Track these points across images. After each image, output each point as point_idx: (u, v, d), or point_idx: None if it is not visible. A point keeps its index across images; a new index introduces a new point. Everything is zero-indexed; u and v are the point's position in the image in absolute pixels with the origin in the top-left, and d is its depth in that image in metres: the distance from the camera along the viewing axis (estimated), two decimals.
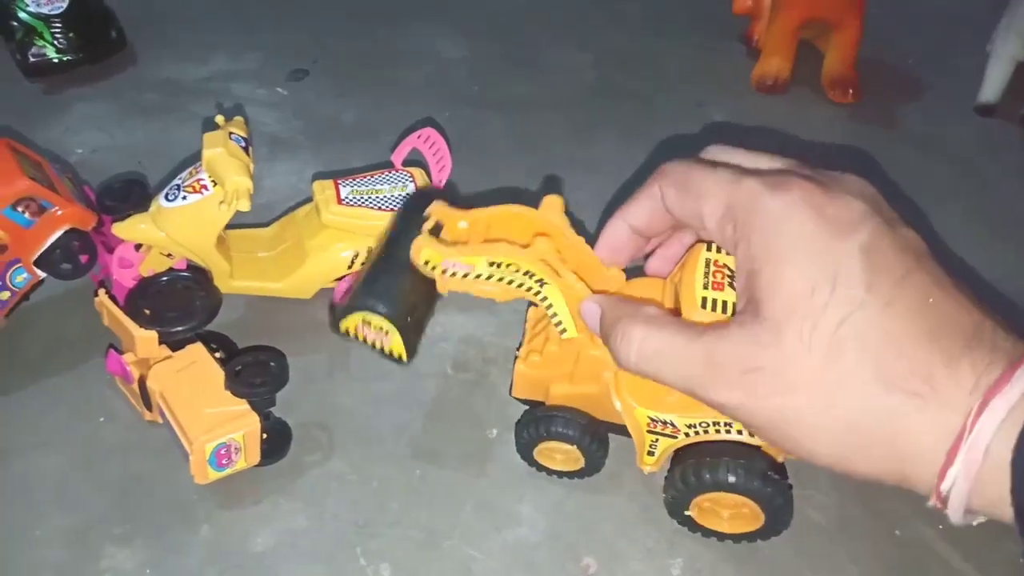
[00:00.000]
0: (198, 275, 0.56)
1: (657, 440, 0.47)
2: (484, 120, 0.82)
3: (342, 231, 0.58)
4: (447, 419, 0.57)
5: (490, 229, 0.45)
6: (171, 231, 0.54)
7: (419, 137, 0.62)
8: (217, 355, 0.54)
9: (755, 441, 0.45)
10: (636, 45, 0.93)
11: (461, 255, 0.42)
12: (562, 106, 0.84)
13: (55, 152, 0.77)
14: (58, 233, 0.56)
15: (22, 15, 0.83)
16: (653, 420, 0.46)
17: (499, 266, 0.42)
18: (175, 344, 0.53)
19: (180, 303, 0.54)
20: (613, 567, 0.49)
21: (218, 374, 0.52)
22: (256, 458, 0.52)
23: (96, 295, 0.55)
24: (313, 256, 0.59)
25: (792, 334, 0.30)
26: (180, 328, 0.53)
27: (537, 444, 0.51)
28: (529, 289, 0.43)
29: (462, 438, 0.56)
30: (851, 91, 0.84)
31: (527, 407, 0.53)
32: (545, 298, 0.43)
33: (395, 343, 0.47)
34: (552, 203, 0.44)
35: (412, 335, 0.47)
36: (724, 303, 0.36)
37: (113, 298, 0.54)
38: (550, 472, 0.53)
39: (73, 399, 0.58)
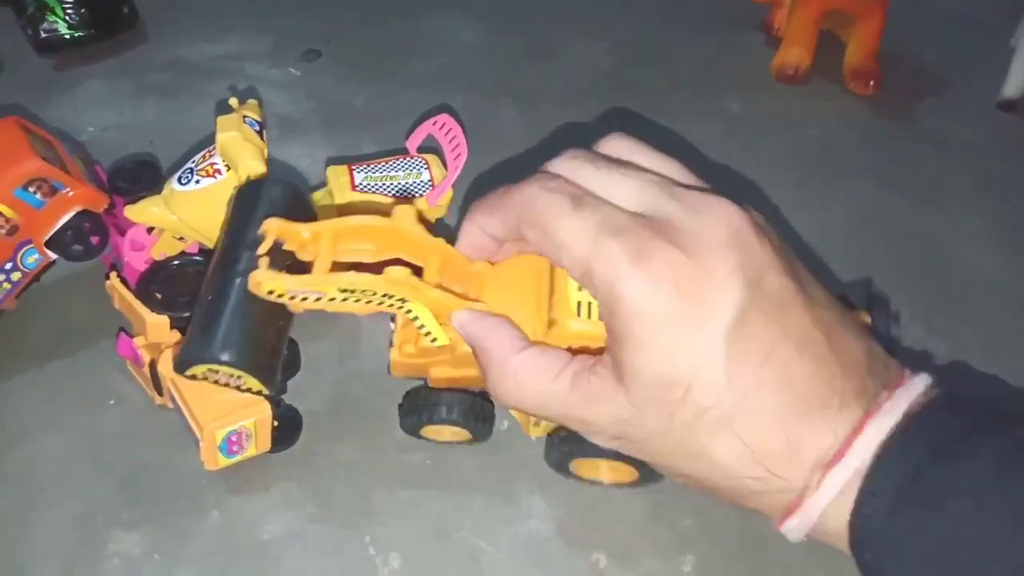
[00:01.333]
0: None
1: None
2: (497, 109, 0.81)
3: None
4: None
5: (339, 238, 0.40)
6: (183, 215, 0.53)
7: (434, 123, 0.61)
8: None
9: None
10: (652, 34, 0.92)
11: (308, 285, 0.37)
12: (577, 97, 0.83)
13: (65, 130, 0.76)
14: (70, 214, 0.55)
15: None
16: None
17: (352, 291, 0.38)
18: (186, 329, 0.53)
19: (192, 288, 0.54)
20: (624, 563, 0.49)
21: None
22: (267, 445, 0.52)
23: (107, 278, 0.55)
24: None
25: (651, 419, 0.32)
26: (191, 313, 0.52)
27: (420, 429, 0.52)
28: (392, 306, 0.39)
29: None
30: (872, 83, 0.83)
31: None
32: (410, 311, 0.40)
33: (251, 383, 0.44)
34: (403, 212, 0.40)
35: (267, 370, 0.43)
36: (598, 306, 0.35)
37: (124, 281, 0.54)
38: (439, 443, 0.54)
39: (82, 382, 0.58)
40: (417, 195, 0.58)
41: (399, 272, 0.38)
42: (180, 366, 0.43)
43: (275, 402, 0.51)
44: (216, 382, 0.44)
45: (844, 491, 0.30)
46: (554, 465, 0.51)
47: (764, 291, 0.31)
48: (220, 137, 0.52)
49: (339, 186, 0.58)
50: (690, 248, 0.30)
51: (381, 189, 0.58)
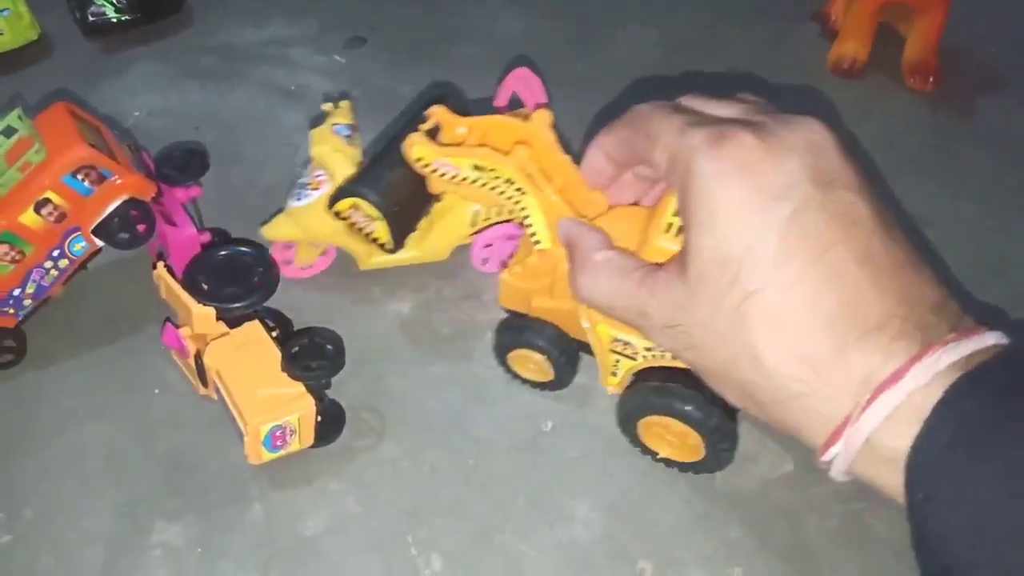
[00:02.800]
0: (258, 251, 0.55)
1: (619, 361, 0.47)
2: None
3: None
4: (500, 408, 0.56)
5: (486, 137, 0.46)
6: (306, 226, 0.58)
7: (515, 76, 0.62)
8: (274, 334, 0.53)
9: None
10: (704, 23, 0.89)
11: (449, 155, 0.44)
12: (625, 86, 0.81)
13: (112, 114, 0.76)
14: (117, 202, 0.55)
15: None
16: (615, 340, 0.46)
17: (483, 170, 0.44)
18: (232, 321, 0.53)
19: (238, 279, 0.53)
20: (670, 572, 0.48)
21: (275, 354, 0.51)
22: (310, 440, 0.51)
23: (154, 267, 0.55)
24: (440, 220, 0.60)
25: (702, 304, 0.32)
26: (238, 305, 0.52)
27: (512, 350, 0.53)
28: (509, 197, 0.45)
29: (516, 428, 0.55)
30: (931, 79, 0.80)
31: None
32: (523, 208, 0.45)
33: (381, 231, 0.52)
34: (540, 117, 0.45)
35: (398, 225, 0.52)
36: None
37: (171, 270, 0.54)
38: (522, 380, 0.55)
39: (127, 370, 0.58)
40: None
41: (523, 151, 0.43)
42: (331, 201, 0.53)
43: (319, 397, 0.50)
44: (352, 224, 0.53)
45: (895, 419, 0.28)
46: (622, 423, 0.51)
47: (833, 197, 0.31)
48: (313, 151, 0.57)
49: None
50: (767, 140, 0.31)
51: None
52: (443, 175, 0.45)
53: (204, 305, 0.51)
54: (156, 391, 0.57)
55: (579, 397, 0.56)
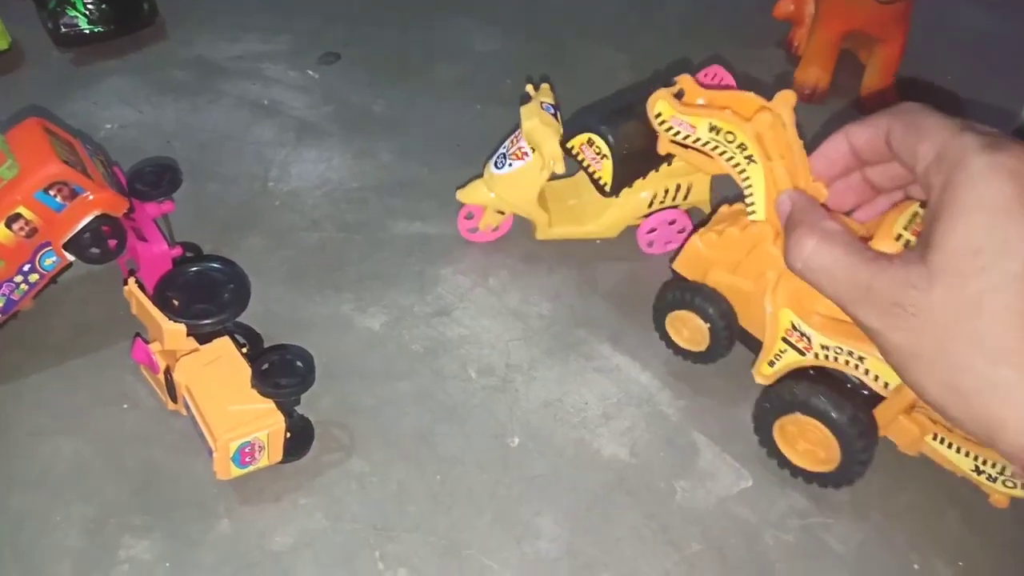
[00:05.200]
0: (229, 267, 0.56)
1: (785, 351, 0.49)
2: (516, 117, 0.81)
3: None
4: (469, 424, 0.57)
5: (725, 107, 0.49)
6: (501, 193, 0.63)
7: (705, 75, 0.65)
8: (244, 350, 0.54)
9: (875, 389, 0.48)
10: (673, 47, 0.91)
11: (689, 114, 0.48)
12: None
13: (83, 126, 0.76)
14: (89, 218, 0.55)
15: None
16: (793, 328, 0.48)
17: (718, 132, 0.47)
18: (202, 336, 0.53)
19: (209, 295, 0.54)
20: None
21: (244, 370, 0.52)
22: (279, 456, 0.52)
23: (125, 282, 0.55)
24: (617, 200, 0.64)
25: (941, 286, 0.32)
26: (209, 321, 0.52)
27: (674, 310, 0.55)
28: (736, 165, 0.47)
29: (483, 445, 0.56)
30: (889, 105, 0.82)
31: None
32: (747, 176, 0.47)
33: (606, 170, 0.57)
34: (785, 98, 0.47)
35: (622, 171, 0.57)
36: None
37: (142, 287, 0.54)
38: (669, 345, 0.58)
39: (96, 384, 0.58)
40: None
41: (766, 117, 0.46)
42: (574, 130, 0.58)
43: (288, 413, 0.51)
44: (579, 159, 0.60)
45: None
46: (760, 416, 0.53)
47: None
48: (525, 124, 0.62)
49: None
50: None
51: None
52: (677, 134, 0.49)
53: (174, 321, 0.51)
54: (125, 406, 0.57)
55: (544, 415, 0.57)
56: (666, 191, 0.64)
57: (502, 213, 0.67)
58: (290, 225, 0.70)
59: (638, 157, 0.59)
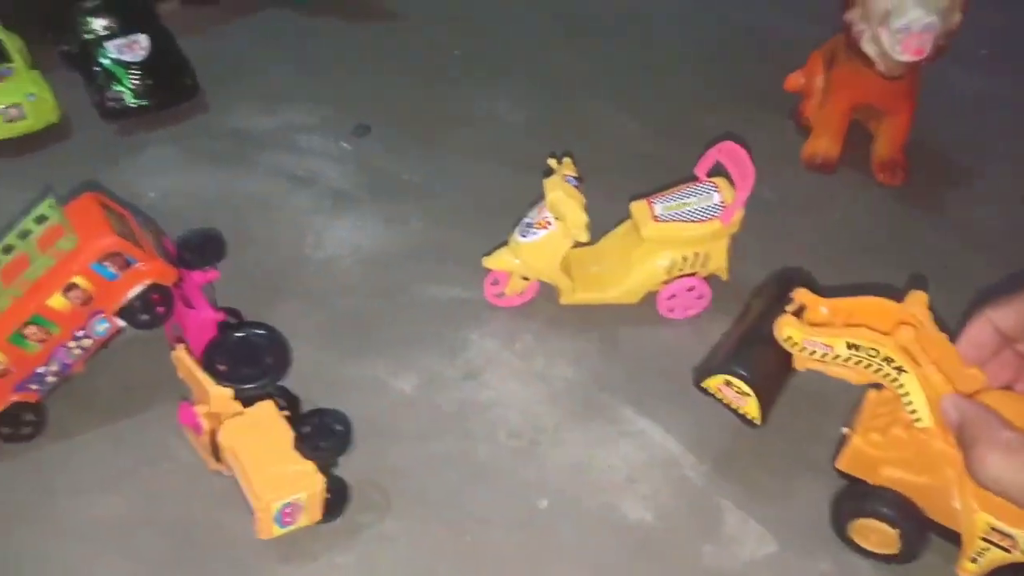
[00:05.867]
0: (271, 333, 0.59)
1: (987, 550, 0.47)
2: (538, 186, 0.84)
3: (660, 243, 0.67)
4: (498, 486, 0.59)
5: (851, 316, 0.50)
6: (527, 260, 0.67)
7: (719, 150, 0.69)
8: (284, 413, 0.56)
9: None
10: (686, 116, 0.95)
11: (821, 336, 0.47)
12: (612, 175, 0.85)
13: (128, 194, 0.80)
14: (141, 287, 0.58)
15: (104, 61, 0.87)
16: (994, 530, 0.46)
17: (857, 349, 0.46)
18: (245, 399, 0.56)
19: (253, 359, 0.57)
20: None
21: (286, 432, 0.54)
22: (317, 516, 0.54)
23: (171, 346, 0.58)
24: (637, 267, 0.68)
25: None
26: (253, 385, 0.55)
27: (855, 519, 0.52)
28: (887, 375, 0.47)
29: (512, 506, 0.57)
30: (900, 174, 0.85)
31: (846, 481, 0.54)
32: (902, 385, 0.47)
33: (751, 406, 0.56)
34: (917, 299, 0.48)
35: (767, 401, 0.56)
36: None
37: (190, 352, 0.57)
38: (858, 550, 0.54)
39: (139, 444, 0.60)
40: (711, 217, 0.66)
41: (907, 333, 0.45)
42: (708, 371, 0.57)
43: (327, 474, 0.53)
44: (720, 398, 0.58)
45: None
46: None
47: None
48: (549, 196, 0.65)
49: (642, 218, 0.67)
50: None
51: (679, 216, 0.67)
52: (812, 353, 0.49)
53: (222, 386, 0.54)
54: (166, 466, 0.59)
55: (571, 478, 0.59)
56: (684, 258, 0.67)
57: (527, 279, 0.70)
58: (325, 290, 0.73)
59: (775, 376, 0.58)
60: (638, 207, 0.69)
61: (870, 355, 0.46)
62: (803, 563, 0.54)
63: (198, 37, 0.98)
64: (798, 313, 0.50)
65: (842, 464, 0.53)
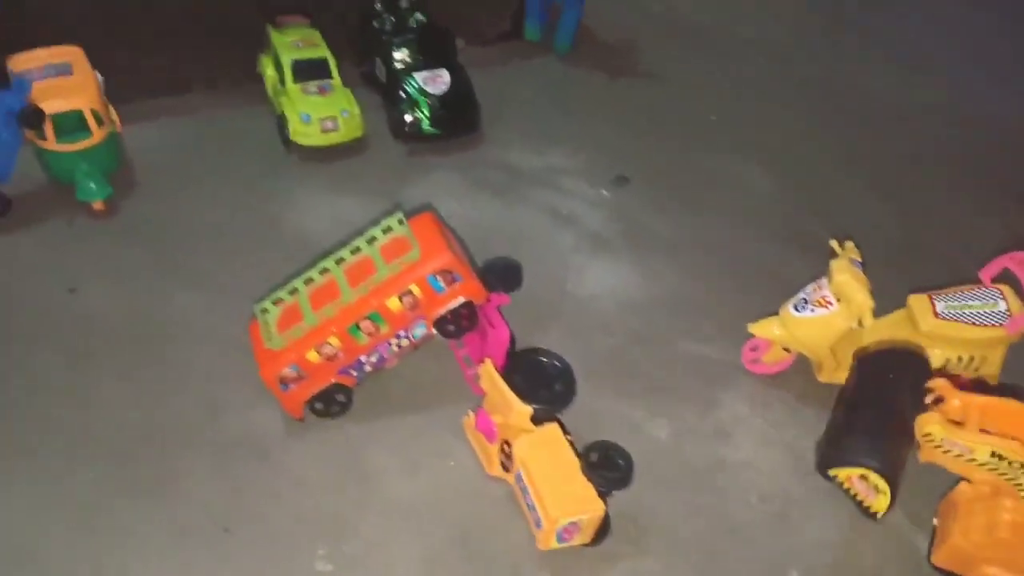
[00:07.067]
0: (561, 363, 0.65)
1: None
2: (789, 259, 0.88)
3: (937, 339, 0.70)
4: (751, 547, 0.62)
5: (984, 414, 0.52)
6: (797, 333, 0.70)
7: (1012, 258, 0.72)
8: (568, 437, 0.62)
9: None
10: (942, 208, 0.96)
11: (965, 439, 0.50)
12: (865, 260, 0.87)
13: (416, 211, 0.89)
14: (458, 302, 0.66)
15: (410, 89, 0.98)
16: None
17: (1001, 458, 0.49)
18: (535, 420, 0.62)
19: (544, 384, 0.63)
20: None
21: (570, 456, 0.60)
22: (589, 538, 0.59)
23: (480, 362, 0.65)
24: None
25: None
26: (546, 407, 0.61)
27: None
28: (1020, 484, 0.50)
29: (762, 571, 0.60)
30: None
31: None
32: None
33: (881, 503, 0.57)
34: None
35: (896, 493, 0.57)
36: None
37: (496, 368, 0.64)
38: None
39: (428, 439, 0.68)
40: (996, 323, 0.69)
41: None
42: (829, 461, 0.60)
43: (606, 502, 0.59)
44: (846, 488, 0.60)
45: None
46: None
47: None
48: (837, 277, 0.69)
49: (921, 313, 0.70)
50: None
51: (960, 317, 0.69)
52: (947, 452, 0.51)
53: (526, 403, 0.61)
54: (452, 463, 0.67)
55: (822, 556, 0.61)
56: (960, 359, 0.68)
57: (788, 351, 0.72)
58: (585, 327, 0.79)
59: (903, 469, 0.60)
60: (918, 300, 0.70)
61: (1011, 465, 0.48)
62: None
63: (475, 73, 1.07)
64: (937, 401, 0.52)
65: (939, 560, 0.54)
